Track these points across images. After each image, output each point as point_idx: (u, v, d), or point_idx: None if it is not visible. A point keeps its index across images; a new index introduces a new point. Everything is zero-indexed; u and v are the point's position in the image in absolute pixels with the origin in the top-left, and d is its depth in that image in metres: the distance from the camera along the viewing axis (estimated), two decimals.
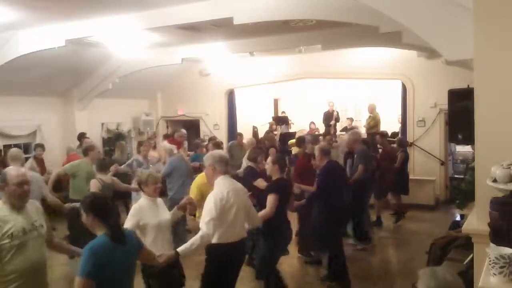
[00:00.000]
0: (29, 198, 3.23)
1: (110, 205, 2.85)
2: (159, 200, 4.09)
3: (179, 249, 3.53)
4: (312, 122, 13.44)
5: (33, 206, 3.28)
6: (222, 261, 3.76)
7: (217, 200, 3.69)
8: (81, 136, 9.67)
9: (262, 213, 4.43)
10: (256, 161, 6.06)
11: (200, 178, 5.06)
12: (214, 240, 3.68)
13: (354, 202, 6.59)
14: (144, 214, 3.86)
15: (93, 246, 2.66)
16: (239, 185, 4.02)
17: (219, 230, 3.68)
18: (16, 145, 9.57)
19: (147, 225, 3.82)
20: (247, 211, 3.98)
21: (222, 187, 3.78)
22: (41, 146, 8.84)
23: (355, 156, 7.24)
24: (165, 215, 4.01)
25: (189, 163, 7.40)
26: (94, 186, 5.54)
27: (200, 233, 3.62)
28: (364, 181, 7.03)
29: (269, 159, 5.11)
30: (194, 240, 3.59)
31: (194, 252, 3.62)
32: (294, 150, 8.17)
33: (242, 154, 8.62)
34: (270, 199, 4.49)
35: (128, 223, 3.79)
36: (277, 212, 4.50)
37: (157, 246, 3.68)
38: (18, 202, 3.12)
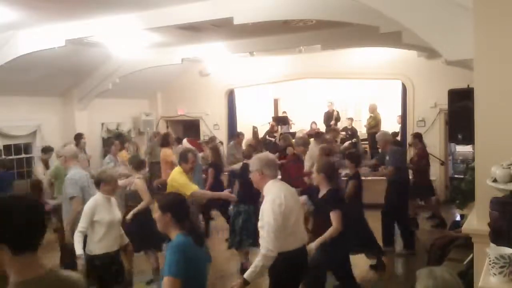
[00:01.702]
0: None
1: (188, 206, 2.81)
2: (113, 198, 4.37)
3: (246, 276, 3.22)
4: (314, 122, 13.44)
5: None
6: (286, 270, 3.41)
7: (276, 208, 3.29)
8: (78, 137, 9.67)
9: (331, 230, 4.18)
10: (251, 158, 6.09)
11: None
12: (282, 249, 3.31)
13: (395, 206, 6.50)
14: (98, 210, 4.14)
15: (178, 244, 2.55)
16: (291, 188, 3.69)
17: (282, 238, 3.30)
18: (16, 145, 9.61)
19: (99, 221, 4.08)
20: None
21: (277, 192, 3.42)
22: (51, 150, 8.46)
23: (387, 157, 6.84)
24: (117, 213, 4.32)
25: None
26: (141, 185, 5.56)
27: (262, 251, 3.24)
28: (402, 183, 6.73)
29: (315, 167, 4.62)
30: (257, 262, 3.23)
31: (261, 274, 3.29)
32: (289, 150, 8.12)
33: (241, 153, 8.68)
34: (334, 216, 4.19)
35: (83, 218, 4.10)
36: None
37: (108, 242, 4.11)
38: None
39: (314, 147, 7.38)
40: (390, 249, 6.58)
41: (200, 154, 8.15)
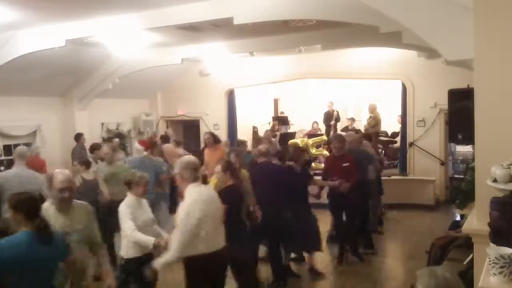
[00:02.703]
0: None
1: (39, 204, 2.91)
2: (144, 200, 4.26)
3: (156, 265, 3.49)
4: (315, 122, 13.44)
5: (82, 209, 3.41)
6: (197, 273, 3.54)
7: (190, 212, 3.42)
8: (78, 137, 9.68)
9: None
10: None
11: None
12: (190, 253, 3.45)
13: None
14: (134, 212, 4.03)
15: (10, 240, 2.66)
16: (214, 193, 3.80)
17: (195, 241, 3.42)
18: (16, 145, 9.60)
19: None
20: (220, 218, 3.72)
21: (196, 196, 3.51)
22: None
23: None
24: (149, 214, 4.24)
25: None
26: None
27: (170, 251, 3.45)
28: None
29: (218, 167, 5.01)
30: (167, 257, 3.44)
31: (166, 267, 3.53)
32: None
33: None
34: None
35: (127, 222, 3.91)
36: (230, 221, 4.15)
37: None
38: (60, 205, 3.29)
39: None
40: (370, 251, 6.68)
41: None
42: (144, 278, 3.75)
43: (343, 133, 8.91)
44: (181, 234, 3.39)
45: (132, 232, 3.88)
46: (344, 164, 6.15)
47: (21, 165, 5.43)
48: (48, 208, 3.24)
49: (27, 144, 9.72)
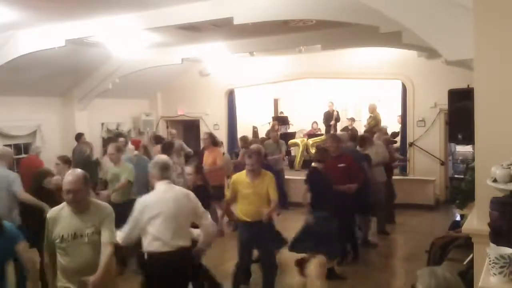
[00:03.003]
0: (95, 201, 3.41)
1: None
2: None
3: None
4: (315, 122, 13.44)
5: (100, 210, 3.32)
6: (152, 270, 3.62)
7: (138, 205, 3.63)
8: (79, 137, 9.68)
9: None
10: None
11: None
12: (149, 248, 3.58)
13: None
14: None
15: None
16: (179, 193, 3.76)
17: (149, 238, 3.56)
18: (16, 145, 9.61)
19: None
20: (184, 218, 3.72)
21: (154, 193, 3.72)
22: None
23: None
24: None
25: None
26: None
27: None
28: None
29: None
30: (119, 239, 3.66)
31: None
32: (295, 150, 8.15)
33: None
34: None
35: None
36: None
37: None
38: (71, 207, 3.25)
39: None
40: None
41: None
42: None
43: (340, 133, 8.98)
44: (126, 223, 3.67)
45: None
46: (340, 165, 6.03)
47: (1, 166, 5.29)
48: (63, 209, 3.29)
49: (27, 144, 9.76)
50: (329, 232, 5.29)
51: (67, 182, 3.20)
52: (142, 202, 3.67)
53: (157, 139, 9.45)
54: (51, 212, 3.37)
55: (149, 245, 3.59)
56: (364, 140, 7.65)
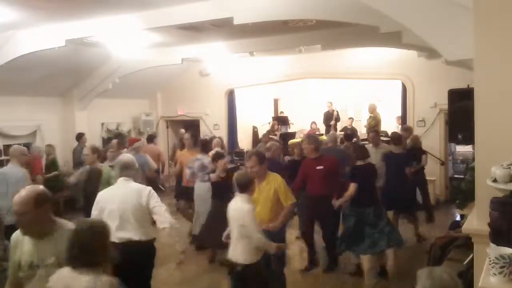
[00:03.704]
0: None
1: None
2: None
3: None
4: (314, 122, 13.44)
5: (64, 235, 2.58)
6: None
7: (95, 201, 4.04)
8: (80, 137, 9.68)
9: None
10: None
11: None
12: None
13: None
14: None
15: None
16: (124, 191, 3.97)
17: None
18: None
19: None
20: (131, 213, 3.86)
21: (106, 190, 4.19)
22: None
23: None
24: None
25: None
26: None
27: None
28: None
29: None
30: None
31: None
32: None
33: None
34: None
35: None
36: None
37: None
38: (24, 231, 2.71)
39: None
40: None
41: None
42: None
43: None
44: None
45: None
46: (318, 167, 5.86)
47: (13, 163, 5.79)
48: (19, 235, 2.75)
49: (27, 144, 9.75)
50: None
51: (13, 202, 2.66)
52: (97, 196, 4.08)
53: (150, 139, 9.42)
54: (14, 234, 2.82)
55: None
56: (400, 139, 7.66)
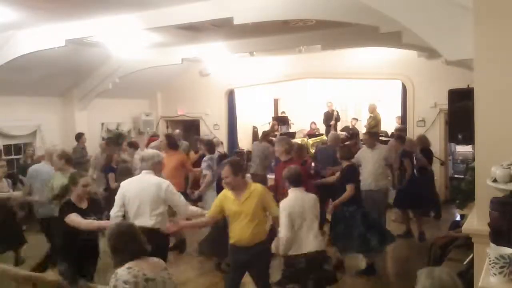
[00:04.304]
0: None
1: None
2: None
3: None
4: (313, 122, 13.44)
5: None
6: None
7: (120, 190, 4.43)
8: (79, 137, 9.68)
9: None
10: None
11: None
12: None
13: None
14: None
15: None
16: (146, 181, 4.38)
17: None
18: (16, 145, 9.62)
19: None
20: (147, 204, 4.28)
21: (129, 180, 4.53)
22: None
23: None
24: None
25: None
26: None
27: None
28: None
29: None
30: None
31: None
32: None
33: None
34: None
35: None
36: None
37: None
38: None
39: None
40: None
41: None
42: None
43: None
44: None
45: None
46: None
47: (45, 162, 6.43)
48: None
49: (27, 144, 9.76)
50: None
51: None
52: (121, 184, 4.47)
53: (130, 144, 9.02)
54: None
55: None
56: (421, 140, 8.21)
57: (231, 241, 4.20)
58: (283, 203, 4.22)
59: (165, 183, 4.36)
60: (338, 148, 6.50)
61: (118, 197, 4.35)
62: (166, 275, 2.77)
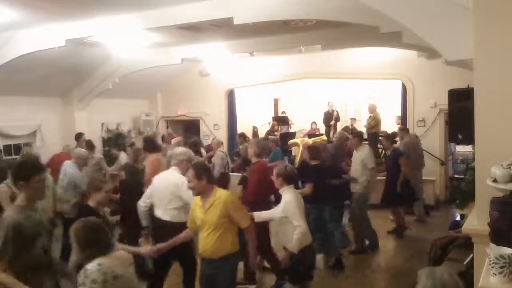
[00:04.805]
0: None
1: None
2: None
3: None
4: (314, 122, 13.44)
5: None
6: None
7: (152, 184, 4.88)
8: (79, 136, 9.67)
9: None
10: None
11: None
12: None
13: None
14: None
15: None
16: (170, 178, 4.74)
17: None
18: (16, 145, 9.62)
19: None
20: (166, 196, 4.64)
21: (159, 176, 4.97)
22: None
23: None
24: None
25: None
26: None
27: None
28: None
29: None
30: None
31: None
32: (295, 150, 8.16)
33: None
34: None
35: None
36: None
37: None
38: None
39: None
40: None
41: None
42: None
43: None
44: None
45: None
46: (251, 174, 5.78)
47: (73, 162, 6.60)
48: None
49: (27, 144, 9.76)
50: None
51: None
52: (154, 178, 4.90)
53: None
54: None
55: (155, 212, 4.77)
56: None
57: (199, 251, 3.95)
58: (287, 197, 4.35)
59: (180, 180, 4.50)
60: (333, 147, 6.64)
61: (148, 188, 4.92)
62: (131, 271, 2.76)
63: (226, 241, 3.76)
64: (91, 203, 4.08)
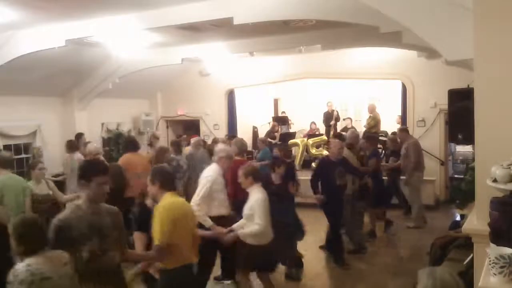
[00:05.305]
0: None
1: None
2: None
3: None
4: (313, 122, 13.43)
5: None
6: None
7: (208, 182, 4.89)
8: (79, 137, 9.66)
9: None
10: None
11: None
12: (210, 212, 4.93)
13: None
14: None
15: None
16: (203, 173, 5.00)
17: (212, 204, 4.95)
18: (16, 145, 9.61)
19: None
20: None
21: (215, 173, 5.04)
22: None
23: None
24: None
25: None
26: None
27: None
28: None
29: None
30: None
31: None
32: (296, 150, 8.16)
33: None
34: None
35: None
36: None
37: None
38: None
39: None
40: None
41: None
42: None
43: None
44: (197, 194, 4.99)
45: None
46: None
47: None
48: None
49: (27, 144, 9.75)
50: None
51: None
52: (210, 178, 4.89)
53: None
54: None
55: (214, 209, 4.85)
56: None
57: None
58: (257, 196, 4.48)
59: (203, 174, 4.93)
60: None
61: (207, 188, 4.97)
62: (65, 270, 2.62)
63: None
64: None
